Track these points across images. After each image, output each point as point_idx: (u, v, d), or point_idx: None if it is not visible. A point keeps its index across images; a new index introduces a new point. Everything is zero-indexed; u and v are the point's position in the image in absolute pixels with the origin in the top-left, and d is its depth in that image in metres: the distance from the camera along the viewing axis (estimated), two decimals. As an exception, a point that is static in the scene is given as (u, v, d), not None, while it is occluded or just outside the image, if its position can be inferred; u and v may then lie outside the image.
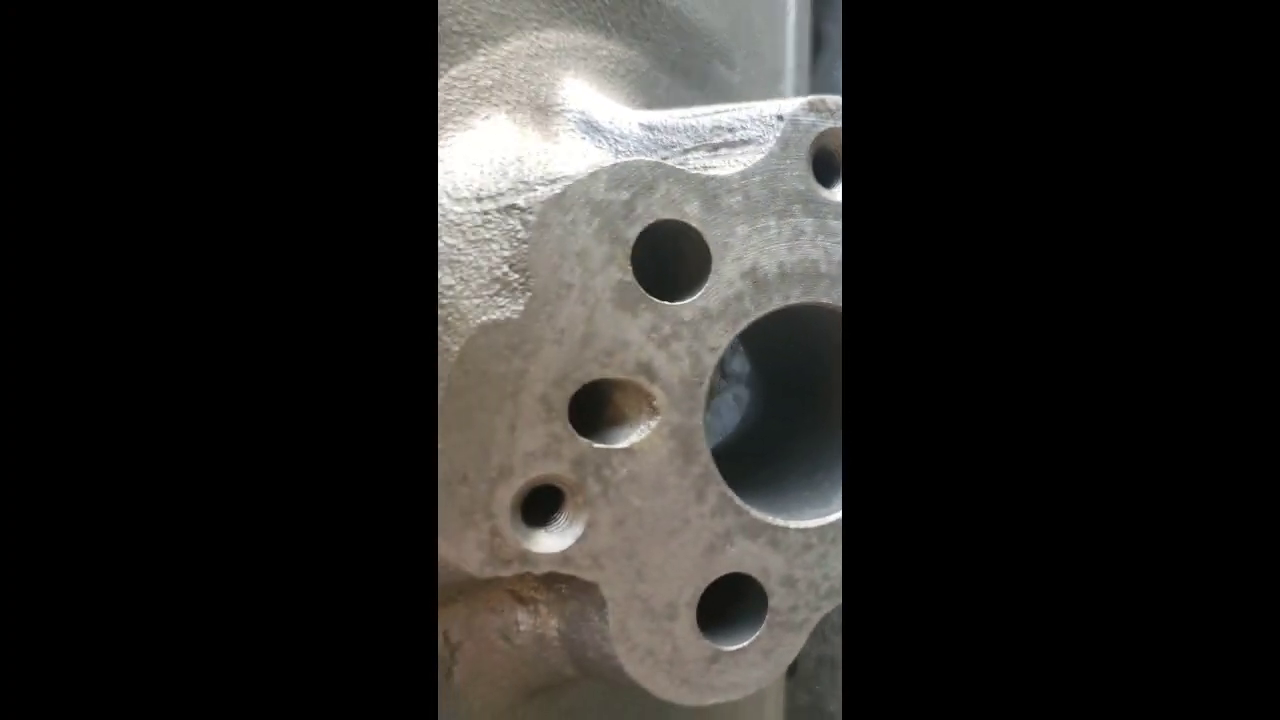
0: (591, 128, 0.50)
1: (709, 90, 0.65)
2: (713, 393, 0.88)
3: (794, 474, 0.55)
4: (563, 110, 0.50)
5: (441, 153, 0.46)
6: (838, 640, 1.21)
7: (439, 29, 0.46)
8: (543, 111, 0.50)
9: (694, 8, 0.63)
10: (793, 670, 1.21)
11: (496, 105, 0.48)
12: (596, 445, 0.43)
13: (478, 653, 0.47)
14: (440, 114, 0.46)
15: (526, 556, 0.42)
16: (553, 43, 0.51)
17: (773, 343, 0.63)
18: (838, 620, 1.21)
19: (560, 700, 0.54)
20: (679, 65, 0.62)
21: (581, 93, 0.51)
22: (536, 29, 0.50)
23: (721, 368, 0.90)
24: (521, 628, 0.47)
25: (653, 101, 0.58)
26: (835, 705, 1.21)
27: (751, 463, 0.58)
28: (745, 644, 0.46)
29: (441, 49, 0.47)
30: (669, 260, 0.46)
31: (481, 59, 0.47)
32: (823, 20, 1.14)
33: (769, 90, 0.75)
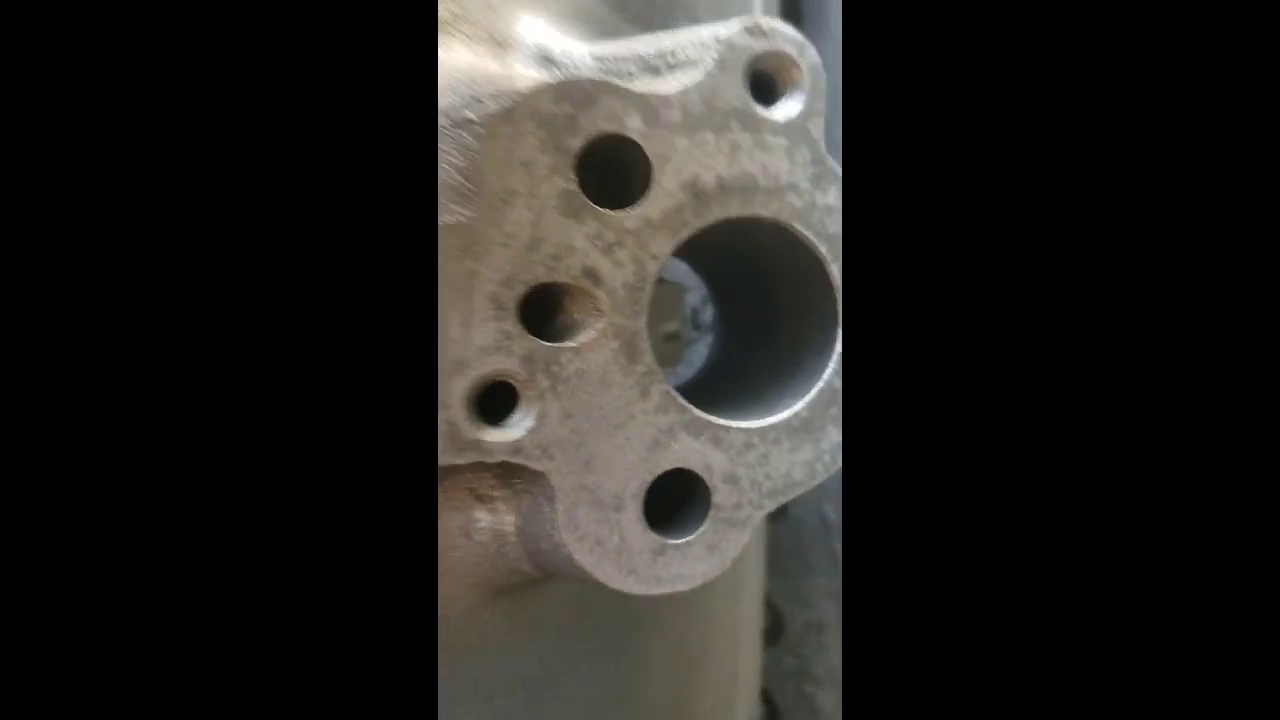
0: (545, 59, 0.53)
1: (671, 42, 0.68)
2: (686, 343, 0.91)
3: (746, 391, 0.57)
4: (518, 44, 0.53)
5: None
6: (825, 605, 1.23)
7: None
8: (499, 45, 0.53)
9: (656, -37, 0.66)
10: (779, 635, 1.23)
11: (454, 35, 0.51)
12: (545, 343, 0.46)
13: (441, 549, 0.50)
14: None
15: (480, 445, 0.45)
16: (510, -17, 0.54)
17: (730, 278, 0.66)
18: (824, 586, 1.23)
19: (529, 609, 0.57)
20: (640, 16, 0.65)
21: (538, 29, 0.54)
22: (495, -31, 0.54)
23: (695, 319, 0.93)
24: (481, 524, 0.50)
25: (614, 48, 0.61)
26: (821, 669, 1.23)
27: (712, 390, 0.61)
28: (690, 538, 0.49)
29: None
30: (618, 179, 0.49)
31: (440, -7, 0.51)
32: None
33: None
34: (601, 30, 0.62)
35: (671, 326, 0.97)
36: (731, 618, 0.85)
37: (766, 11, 0.83)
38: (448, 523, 0.50)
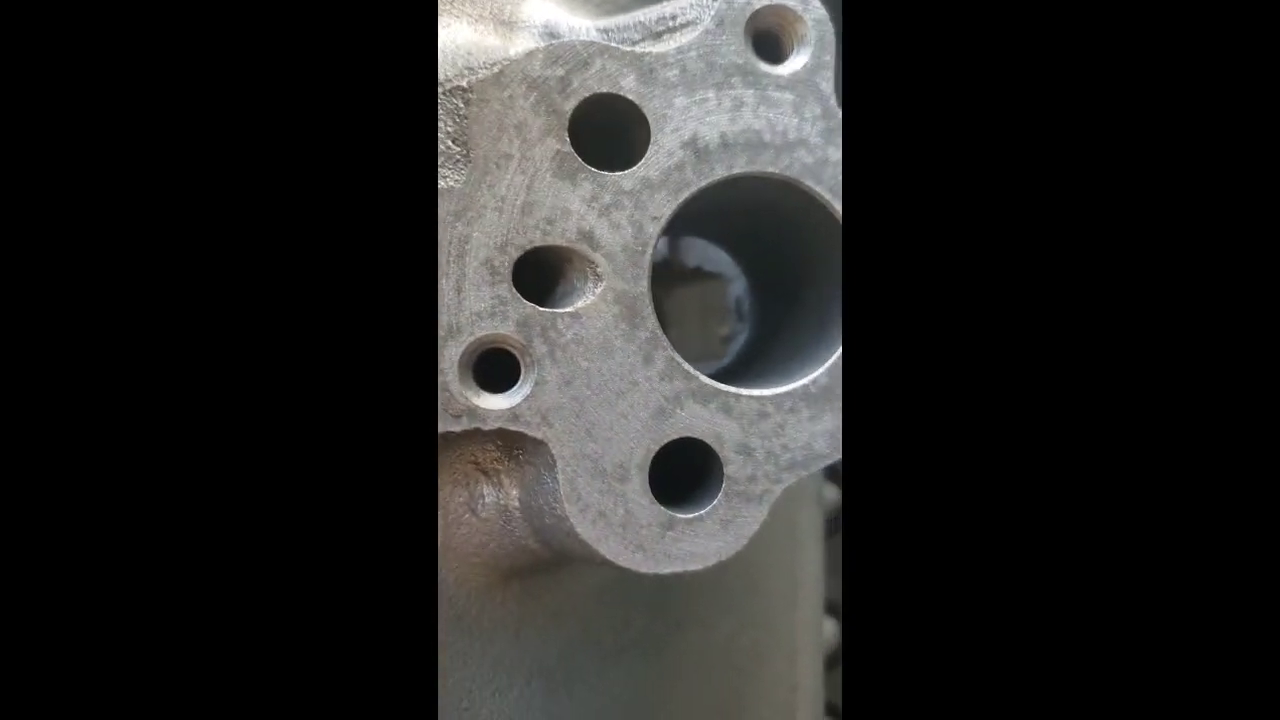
0: (551, 35, 0.53)
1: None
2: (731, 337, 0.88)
3: (772, 366, 0.55)
4: (526, 23, 0.53)
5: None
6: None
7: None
8: (507, 26, 0.53)
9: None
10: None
11: (458, 16, 0.51)
12: (541, 308, 0.45)
13: (445, 525, 0.49)
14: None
15: (475, 412, 0.44)
16: (520, -35, 0.55)
17: (760, 255, 0.64)
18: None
19: (545, 595, 0.55)
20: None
21: (546, 9, 0.55)
22: (501, -49, 0.54)
23: (739, 310, 0.91)
24: (486, 499, 0.49)
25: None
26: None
27: (740, 371, 0.59)
28: (701, 512, 0.46)
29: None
30: (617, 141, 0.48)
31: (444, -27, 0.52)
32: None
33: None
34: (616, 7, 0.62)
35: (725, 329, 0.95)
36: (789, 624, 0.81)
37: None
38: (452, 498, 0.49)
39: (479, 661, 0.52)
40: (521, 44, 0.52)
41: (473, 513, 0.49)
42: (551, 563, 0.51)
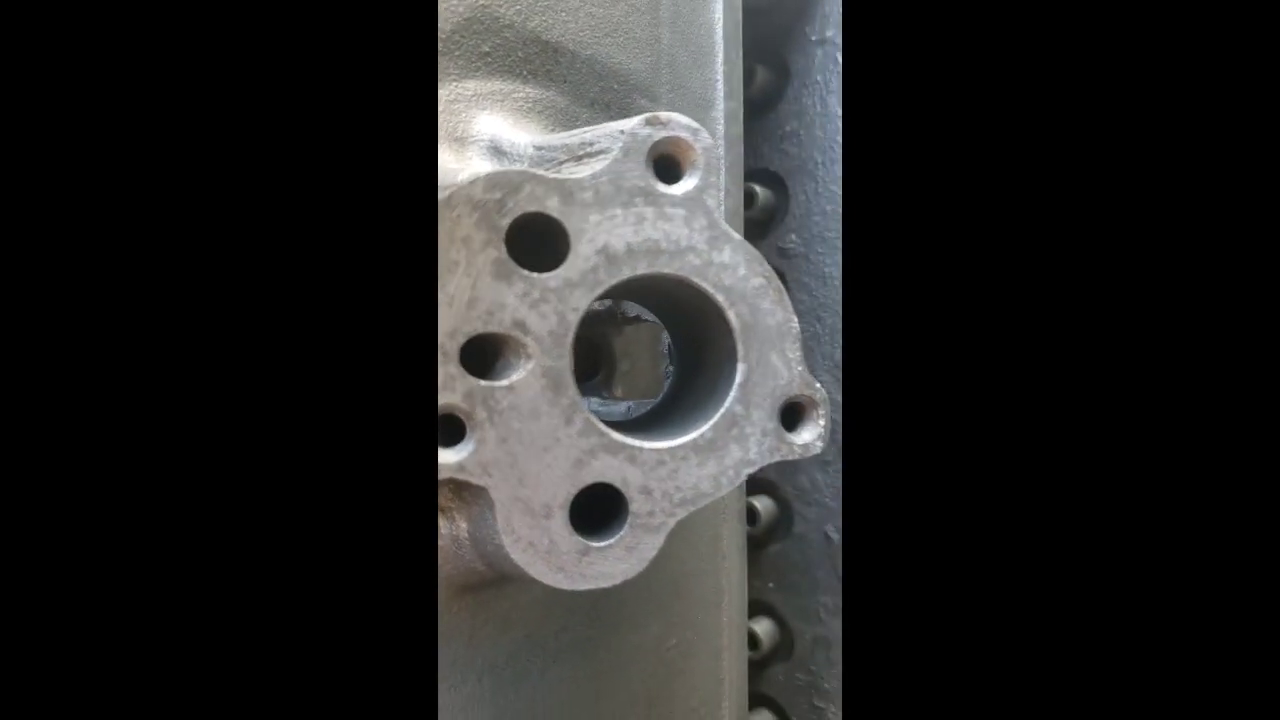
0: (497, 151, 0.65)
1: (631, 120, 0.79)
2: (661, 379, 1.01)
3: (676, 419, 0.67)
4: (475, 140, 0.65)
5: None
6: (831, 622, 1.30)
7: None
8: (459, 142, 0.65)
9: (610, 54, 0.78)
10: (790, 651, 1.30)
11: (419, 138, 0.63)
12: (483, 382, 0.57)
13: (410, 550, 0.61)
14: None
15: (430, 465, 0.56)
16: (471, 90, 0.67)
17: (678, 324, 0.76)
18: (829, 603, 1.30)
19: (494, 605, 0.67)
20: (599, 101, 0.77)
21: (495, 125, 0.67)
22: (455, 80, 0.66)
23: (671, 356, 1.03)
24: (441, 530, 0.61)
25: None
26: (830, 684, 1.29)
27: (657, 417, 0.71)
28: (610, 541, 0.59)
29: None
30: (544, 245, 0.60)
31: (406, 104, 0.63)
32: (789, 54, 1.27)
33: (698, 119, 0.88)
34: (562, 117, 0.74)
35: (668, 364, 1.08)
36: (715, 624, 0.93)
37: (728, 80, 0.93)
38: (416, 530, 0.61)
39: (437, 663, 0.64)
40: (471, 157, 0.64)
41: (431, 541, 0.61)
42: (497, 579, 0.63)
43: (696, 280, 0.60)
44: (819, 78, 1.27)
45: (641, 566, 0.59)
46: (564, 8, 0.73)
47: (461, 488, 0.60)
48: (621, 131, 0.59)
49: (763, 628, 1.25)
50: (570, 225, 0.58)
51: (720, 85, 0.93)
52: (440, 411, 0.57)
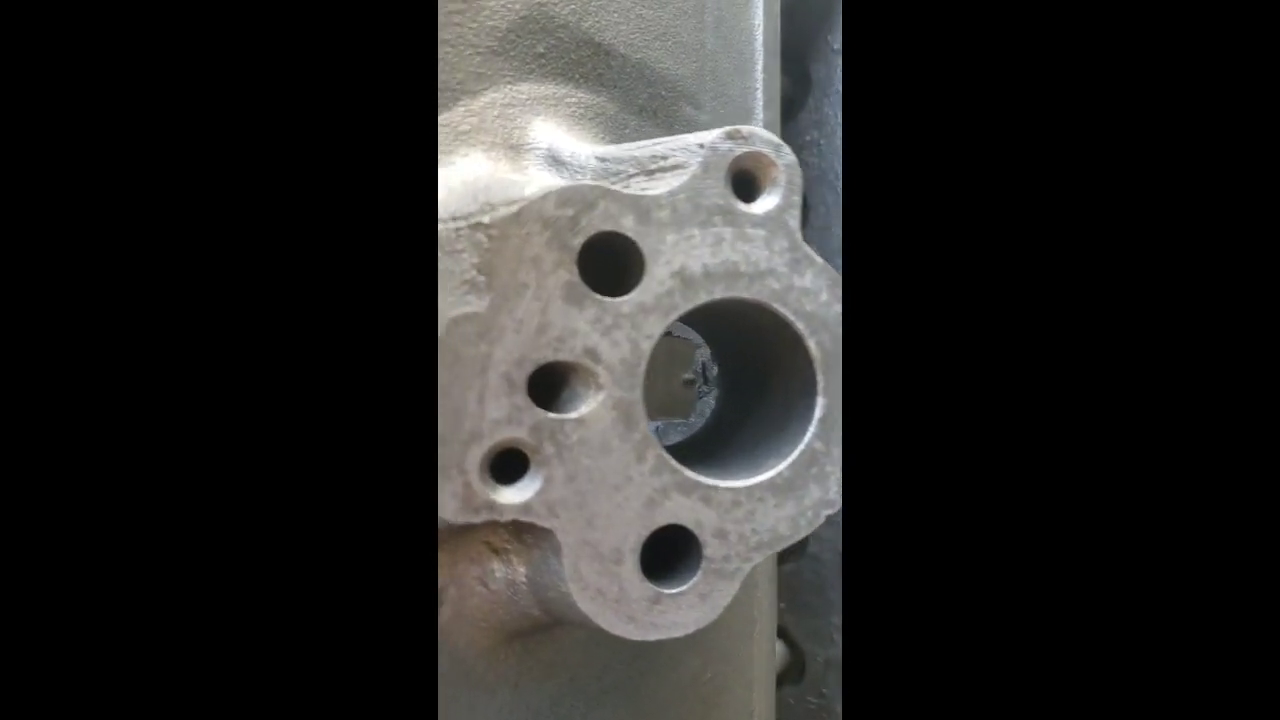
0: (555, 161, 0.60)
1: (677, 129, 0.75)
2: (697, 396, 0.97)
3: (740, 452, 0.63)
4: (532, 148, 0.61)
5: (429, 184, 0.56)
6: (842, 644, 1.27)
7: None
8: (515, 150, 0.60)
9: (659, 59, 0.73)
10: (801, 673, 1.27)
11: (474, 145, 0.58)
12: (551, 415, 0.52)
13: (460, 596, 0.56)
14: (428, 153, 0.57)
15: (493, 505, 0.51)
16: (525, 94, 0.62)
17: (732, 346, 0.72)
18: (841, 624, 1.27)
19: (540, 651, 0.63)
20: (646, 108, 0.73)
21: (550, 133, 0.62)
22: (510, 83, 0.61)
23: (705, 373, 0.99)
24: (497, 574, 0.56)
25: (622, 140, 0.68)
26: (842, 705, 1.26)
27: (710, 446, 0.67)
28: (684, 588, 0.54)
29: (430, 102, 0.58)
30: (615, 265, 0.56)
31: (461, 109, 0.58)
32: (810, 62, 1.24)
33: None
34: (611, 124, 0.69)
35: (689, 374, 1.03)
36: (747, 655, 0.90)
37: (767, 89, 0.90)
38: (467, 573, 0.56)
39: (484, 712, 0.59)
40: (532, 171, 0.59)
41: (484, 585, 0.56)
42: (549, 624, 0.59)
43: (776, 306, 0.56)
44: (840, 87, 1.24)
45: (714, 615, 0.55)
46: (616, 8, 0.69)
47: (523, 529, 0.55)
48: (700, 145, 0.55)
49: (778, 649, 1.22)
50: (646, 246, 0.54)
51: (760, 94, 0.89)
52: (506, 445, 0.52)
